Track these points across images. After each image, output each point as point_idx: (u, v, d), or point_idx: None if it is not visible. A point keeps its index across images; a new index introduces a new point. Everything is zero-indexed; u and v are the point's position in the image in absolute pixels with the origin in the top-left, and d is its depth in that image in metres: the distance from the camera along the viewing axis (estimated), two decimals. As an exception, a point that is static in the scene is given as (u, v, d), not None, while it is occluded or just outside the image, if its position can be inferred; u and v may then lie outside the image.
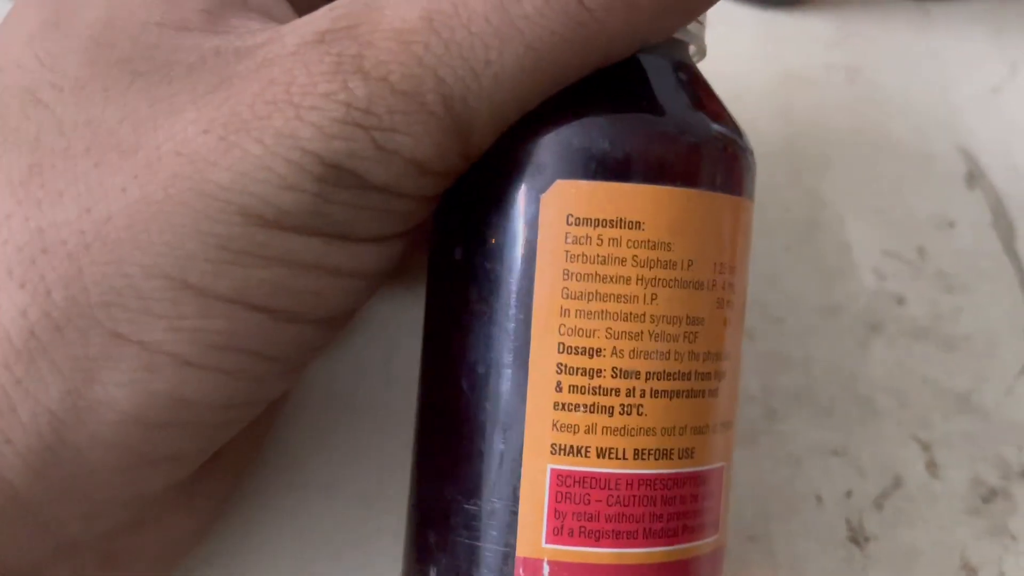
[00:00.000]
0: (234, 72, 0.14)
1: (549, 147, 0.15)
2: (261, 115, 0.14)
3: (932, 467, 0.24)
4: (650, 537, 0.15)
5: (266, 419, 0.20)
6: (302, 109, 0.14)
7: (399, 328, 0.24)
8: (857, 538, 0.23)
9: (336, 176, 0.14)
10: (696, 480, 0.15)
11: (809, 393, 0.25)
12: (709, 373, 0.16)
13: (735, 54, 0.31)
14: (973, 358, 0.26)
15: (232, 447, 0.18)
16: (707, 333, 0.15)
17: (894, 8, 0.34)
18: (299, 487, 0.22)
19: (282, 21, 0.16)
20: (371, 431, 0.23)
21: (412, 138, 0.14)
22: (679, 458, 0.15)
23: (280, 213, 0.14)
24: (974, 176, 0.30)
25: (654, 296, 0.15)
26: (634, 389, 0.15)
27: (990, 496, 0.24)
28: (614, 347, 0.15)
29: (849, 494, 0.23)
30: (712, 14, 0.27)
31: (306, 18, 0.15)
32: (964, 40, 0.33)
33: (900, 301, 0.27)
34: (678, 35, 0.17)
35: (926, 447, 0.24)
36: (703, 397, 0.15)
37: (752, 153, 0.18)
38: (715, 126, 0.17)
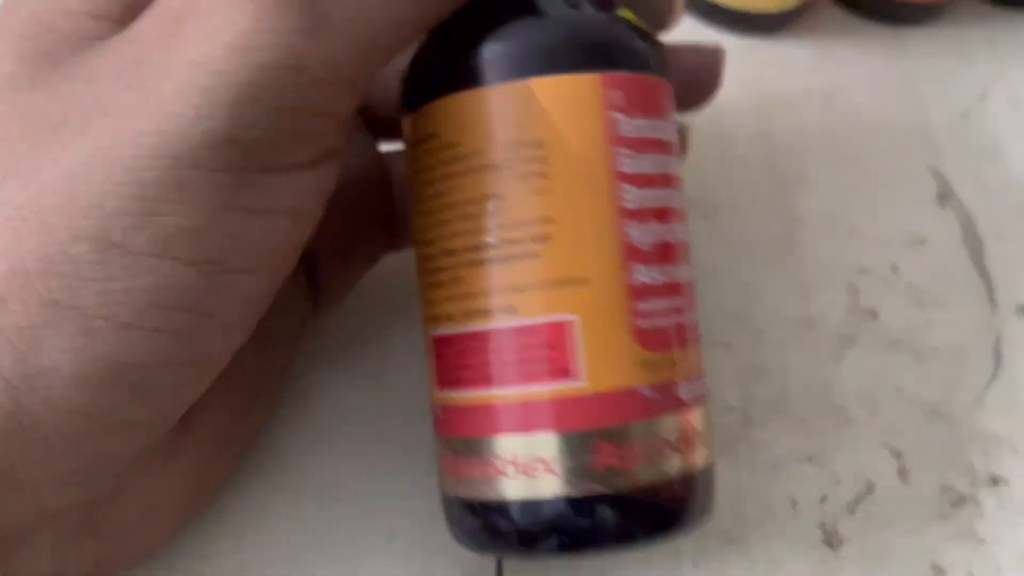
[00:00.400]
0: (148, 29, 0.16)
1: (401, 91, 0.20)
2: (173, 54, 0.15)
3: (903, 473, 0.25)
4: (500, 383, 0.18)
5: (260, 406, 0.21)
6: (210, 34, 0.15)
7: (391, 340, 0.25)
8: (831, 541, 0.24)
9: (249, 96, 0.15)
10: (524, 332, 0.18)
11: (785, 402, 0.26)
12: (522, 239, 0.18)
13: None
14: (943, 369, 0.27)
15: (210, 418, 0.19)
16: (511, 205, 0.18)
17: (869, 35, 0.35)
18: (294, 491, 0.23)
19: None
20: (365, 437, 0.24)
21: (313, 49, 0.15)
22: (502, 314, 0.18)
23: (193, 147, 0.15)
24: (945, 196, 0.31)
25: (451, 187, 0.18)
26: (454, 264, 0.18)
27: (959, 502, 0.25)
28: (438, 234, 0.19)
29: (823, 499, 0.24)
30: (697, 41, 0.29)
31: None
32: (936, 66, 0.35)
33: (873, 315, 0.28)
34: None
35: (897, 454, 0.25)
36: (519, 260, 0.18)
37: (584, 26, 0.19)
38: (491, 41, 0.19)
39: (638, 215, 0.18)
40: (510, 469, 0.18)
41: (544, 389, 0.18)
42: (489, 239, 0.18)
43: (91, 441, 0.16)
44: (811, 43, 0.34)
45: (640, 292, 0.18)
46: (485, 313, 0.18)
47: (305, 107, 0.16)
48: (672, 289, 0.19)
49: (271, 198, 0.16)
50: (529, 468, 0.18)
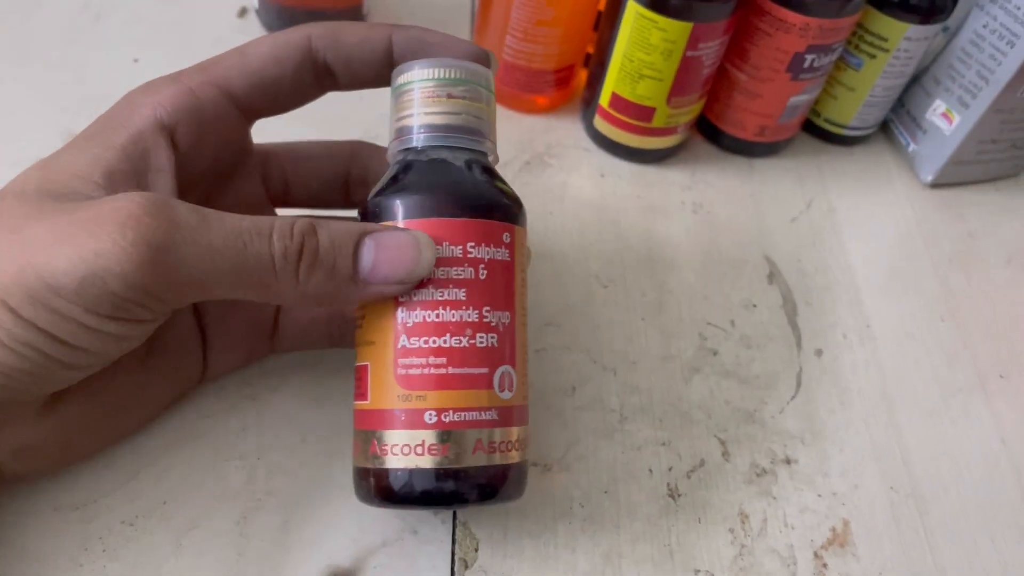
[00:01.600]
0: (84, 213, 0.25)
1: None
2: (79, 237, 0.24)
3: (726, 454, 0.37)
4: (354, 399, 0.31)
5: (131, 412, 0.32)
6: (101, 236, 0.24)
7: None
8: (673, 495, 0.36)
9: (93, 277, 0.24)
10: (357, 369, 0.30)
11: (650, 408, 0.38)
12: (357, 318, 0.30)
13: (618, 195, 0.46)
14: (760, 390, 0.40)
15: (77, 398, 0.29)
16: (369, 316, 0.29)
17: (728, 163, 0.49)
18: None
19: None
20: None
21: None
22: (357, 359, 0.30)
23: (61, 284, 0.24)
24: (773, 275, 0.44)
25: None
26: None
27: (762, 473, 0.37)
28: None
29: (670, 469, 0.36)
30: (603, 168, 0.42)
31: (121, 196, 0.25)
32: (776, 185, 0.48)
33: (715, 353, 0.41)
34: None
35: (723, 442, 0.38)
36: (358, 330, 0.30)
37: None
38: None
39: (407, 305, 0.28)
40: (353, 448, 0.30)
41: (357, 404, 0.30)
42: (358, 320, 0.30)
43: None
44: (686, 169, 0.48)
45: (401, 353, 0.28)
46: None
47: (123, 298, 0.25)
48: (433, 352, 0.28)
49: (100, 326, 0.25)
50: (355, 448, 0.29)
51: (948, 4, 0.44)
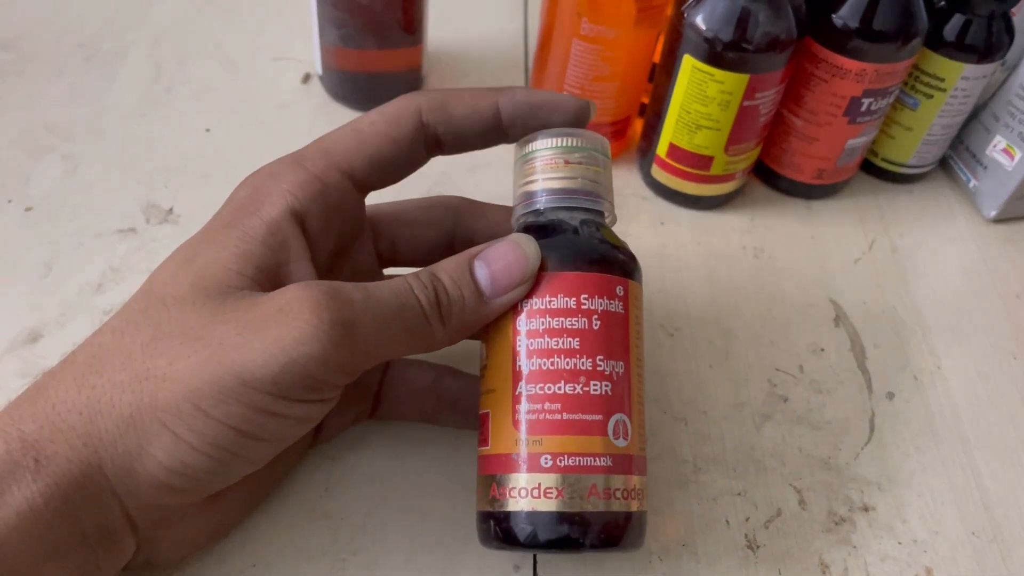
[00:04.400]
0: (261, 308, 0.27)
1: None
2: (266, 328, 0.26)
3: (802, 503, 0.37)
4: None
5: (260, 494, 0.33)
6: (289, 327, 0.26)
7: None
8: (752, 546, 0.36)
9: (292, 365, 0.26)
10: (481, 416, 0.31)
11: (723, 457, 0.38)
12: (480, 368, 0.32)
13: (678, 242, 0.47)
14: (832, 436, 0.39)
15: (228, 495, 0.30)
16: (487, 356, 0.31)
17: (787, 206, 0.49)
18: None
19: (297, 280, 0.29)
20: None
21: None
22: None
23: (256, 378, 0.25)
24: (839, 318, 0.44)
25: None
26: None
27: (840, 521, 0.37)
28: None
29: (747, 519, 0.36)
30: (663, 215, 0.43)
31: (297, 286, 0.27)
32: (836, 227, 0.49)
33: (785, 400, 0.41)
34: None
35: (798, 491, 0.37)
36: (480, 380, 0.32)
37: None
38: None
39: (525, 353, 0.29)
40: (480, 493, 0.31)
41: (480, 450, 0.31)
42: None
43: (162, 494, 0.27)
44: (746, 213, 0.49)
45: (519, 399, 0.29)
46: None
47: (319, 379, 0.26)
48: (548, 398, 0.29)
49: (289, 411, 0.27)
50: (478, 493, 0.31)
51: (1005, 42, 0.44)
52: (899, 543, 0.36)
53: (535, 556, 0.34)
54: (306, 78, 0.53)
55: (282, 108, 0.50)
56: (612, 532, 0.29)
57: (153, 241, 0.43)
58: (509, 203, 0.35)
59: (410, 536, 0.34)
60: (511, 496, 0.29)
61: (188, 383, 0.26)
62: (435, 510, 0.35)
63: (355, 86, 0.50)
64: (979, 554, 0.36)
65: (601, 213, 0.32)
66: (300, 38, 0.52)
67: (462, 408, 0.36)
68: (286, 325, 0.26)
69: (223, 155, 0.48)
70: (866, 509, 0.37)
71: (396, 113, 0.31)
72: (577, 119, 0.32)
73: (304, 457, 0.36)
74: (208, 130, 0.49)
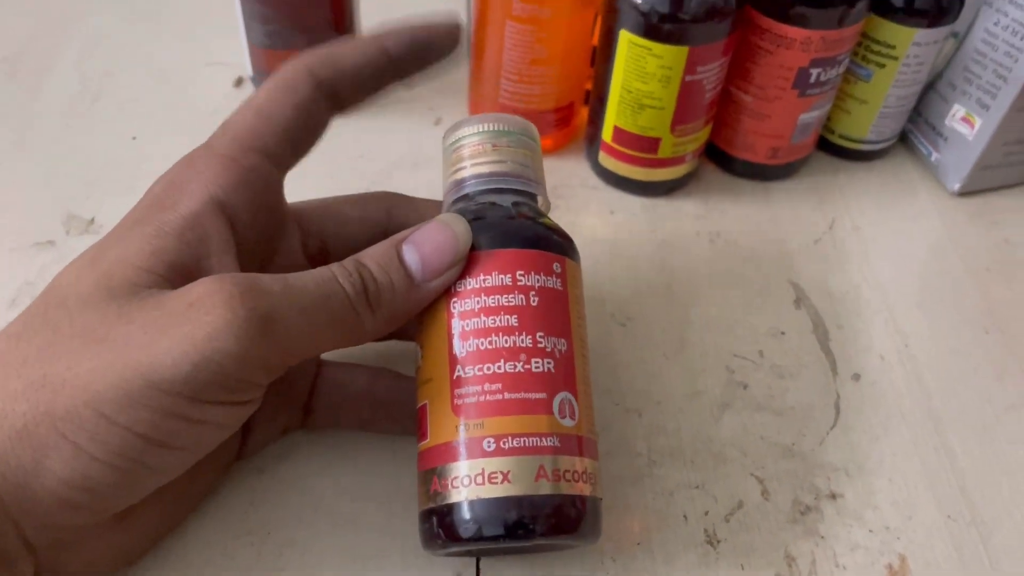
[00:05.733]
0: (170, 305, 0.25)
1: None
2: (176, 327, 0.24)
3: (765, 493, 0.35)
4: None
5: (183, 507, 0.31)
6: (200, 323, 0.24)
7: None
8: (712, 541, 0.33)
9: (206, 362, 0.24)
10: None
11: (679, 449, 0.36)
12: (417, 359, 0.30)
13: (630, 231, 0.44)
14: (796, 422, 0.37)
15: (143, 510, 0.27)
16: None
17: (743, 189, 0.47)
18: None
19: (209, 273, 0.27)
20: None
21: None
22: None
23: (165, 379, 0.23)
24: (800, 300, 0.42)
25: None
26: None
27: (806, 511, 0.34)
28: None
29: (707, 513, 0.34)
30: (613, 204, 0.41)
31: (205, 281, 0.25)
32: (794, 208, 0.47)
33: (745, 386, 0.38)
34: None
35: (761, 481, 0.35)
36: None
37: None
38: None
39: (461, 335, 0.28)
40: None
41: (419, 446, 0.29)
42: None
43: (63, 512, 0.25)
44: (699, 199, 0.47)
45: (457, 383, 0.27)
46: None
47: (237, 378, 0.24)
48: (488, 379, 0.27)
49: (204, 415, 0.25)
50: (419, 493, 0.28)
51: (955, 5, 0.42)
52: (870, 531, 0.34)
53: (478, 561, 0.32)
54: (239, 82, 0.51)
55: (214, 114, 0.48)
56: (564, 518, 0.27)
57: (72, 253, 0.39)
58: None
59: (342, 549, 0.32)
60: (453, 487, 0.27)
61: (89, 388, 0.24)
62: (370, 520, 0.33)
63: (287, 86, 0.48)
64: (956, 538, 0.34)
65: (534, 197, 0.31)
66: (232, 42, 0.50)
67: (400, 412, 0.33)
68: (197, 320, 0.24)
69: (150, 163, 0.44)
70: (833, 497, 0.35)
71: (289, 80, 0.29)
72: (450, 39, 0.31)
73: (227, 471, 0.33)
74: (135, 138, 0.47)
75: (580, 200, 0.46)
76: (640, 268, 0.43)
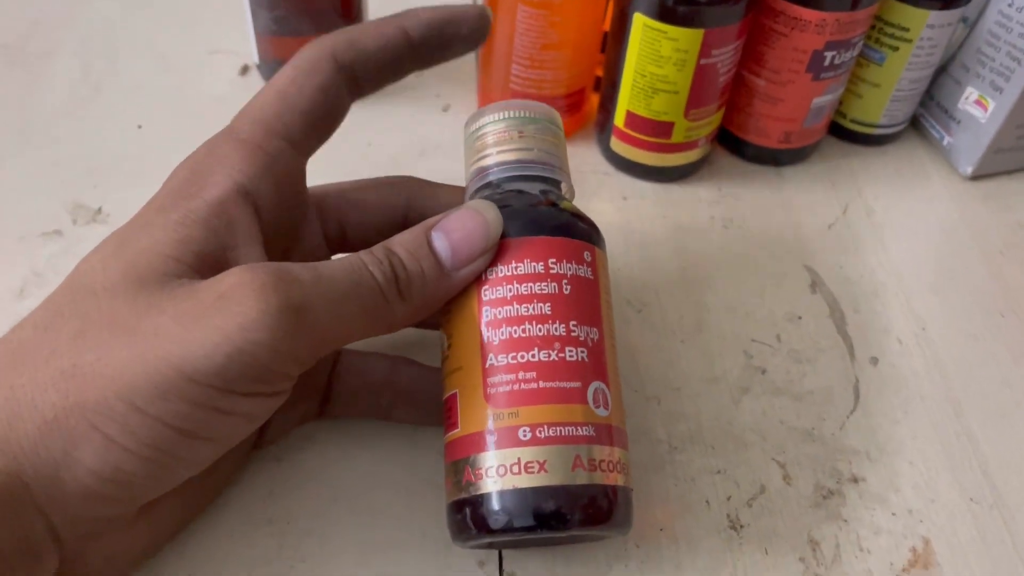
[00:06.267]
0: (201, 295, 0.24)
1: None
2: (208, 317, 0.23)
3: (787, 478, 0.34)
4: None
5: (203, 498, 0.30)
6: (232, 315, 0.23)
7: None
8: (735, 526, 0.33)
9: (239, 354, 0.23)
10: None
11: (699, 435, 0.36)
12: (442, 348, 0.29)
13: (643, 217, 0.44)
14: (815, 406, 0.37)
15: (166, 503, 0.27)
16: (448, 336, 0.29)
17: (756, 174, 0.47)
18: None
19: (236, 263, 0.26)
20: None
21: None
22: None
23: (199, 370, 0.23)
24: (816, 284, 0.42)
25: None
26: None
27: (829, 495, 0.34)
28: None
29: (729, 499, 0.34)
30: (625, 190, 0.40)
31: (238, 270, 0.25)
32: (807, 192, 0.46)
33: (763, 371, 0.38)
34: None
35: (782, 465, 0.35)
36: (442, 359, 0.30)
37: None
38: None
39: (492, 324, 0.27)
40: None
41: (448, 436, 0.28)
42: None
43: (91, 504, 0.24)
44: (712, 184, 0.46)
45: (490, 372, 0.27)
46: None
47: (269, 369, 0.24)
48: (522, 367, 0.27)
49: (235, 407, 0.24)
50: (447, 484, 0.28)
51: (969, -14, 0.42)
52: (893, 514, 0.33)
53: (500, 551, 0.31)
54: (244, 70, 0.50)
55: (219, 101, 0.48)
56: (600, 508, 0.27)
57: (80, 243, 0.40)
58: (462, 184, 0.32)
59: (362, 538, 0.31)
60: (488, 476, 0.26)
61: (120, 379, 0.23)
62: (389, 509, 0.32)
63: (294, 73, 0.47)
64: (979, 521, 0.33)
65: (559, 184, 0.31)
66: (236, 30, 0.50)
67: (420, 401, 0.33)
68: (229, 311, 0.23)
69: (156, 151, 0.44)
70: (855, 480, 0.34)
71: (311, 62, 0.29)
72: (480, 23, 0.31)
73: (246, 461, 0.33)
74: (140, 127, 0.46)
75: (591, 186, 0.46)
76: (654, 254, 0.43)
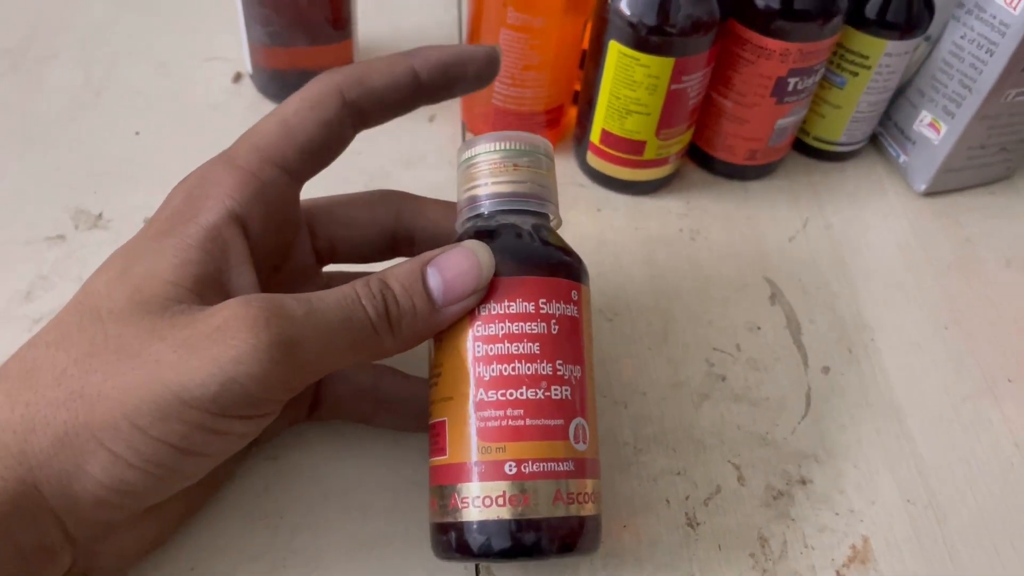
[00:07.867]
0: (198, 326, 0.26)
1: None
2: (204, 348, 0.25)
3: (741, 479, 0.38)
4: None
5: (203, 496, 0.33)
6: (226, 346, 0.25)
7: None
8: (692, 524, 0.36)
9: (231, 383, 0.25)
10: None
11: (662, 437, 0.38)
12: (432, 376, 0.31)
13: (616, 228, 0.47)
14: (769, 412, 0.40)
15: (169, 502, 0.29)
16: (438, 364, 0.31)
17: (722, 188, 0.50)
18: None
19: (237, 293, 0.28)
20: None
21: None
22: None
23: (195, 396, 0.25)
24: (775, 295, 0.45)
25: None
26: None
27: (778, 495, 0.37)
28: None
29: (687, 498, 0.37)
30: (599, 202, 0.43)
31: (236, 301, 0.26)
32: (771, 206, 0.49)
33: (723, 378, 0.41)
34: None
35: (737, 467, 0.38)
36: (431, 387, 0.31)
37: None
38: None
39: (484, 360, 0.29)
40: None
41: (434, 460, 0.30)
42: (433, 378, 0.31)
43: (101, 510, 0.27)
44: (681, 197, 0.49)
45: (479, 406, 0.28)
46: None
47: (260, 397, 0.26)
48: (510, 404, 0.28)
49: (229, 428, 0.26)
50: (432, 505, 0.30)
51: (925, 18, 0.45)
52: (836, 514, 0.37)
53: (477, 545, 0.34)
54: (237, 77, 0.52)
55: (213, 108, 0.50)
56: (574, 538, 0.29)
57: (83, 247, 0.42)
58: (448, 197, 0.34)
59: (352, 533, 0.34)
60: (473, 505, 0.28)
61: (125, 402, 0.25)
62: (377, 506, 0.35)
63: (286, 84, 0.49)
64: (915, 521, 0.37)
65: (548, 216, 0.32)
66: (230, 38, 0.52)
67: (400, 410, 0.35)
68: (224, 344, 0.25)
69: (153, 158, 0.47)
70: (803, 482, 0.38)
71: (318, 96, 0.30)
72: (489, 66, 0.32)
73: (243, 459, 0.35)
74: (138, 133, 0.49)
75: (568, 198, 0.48)
76: (625, 264, 0.45)
